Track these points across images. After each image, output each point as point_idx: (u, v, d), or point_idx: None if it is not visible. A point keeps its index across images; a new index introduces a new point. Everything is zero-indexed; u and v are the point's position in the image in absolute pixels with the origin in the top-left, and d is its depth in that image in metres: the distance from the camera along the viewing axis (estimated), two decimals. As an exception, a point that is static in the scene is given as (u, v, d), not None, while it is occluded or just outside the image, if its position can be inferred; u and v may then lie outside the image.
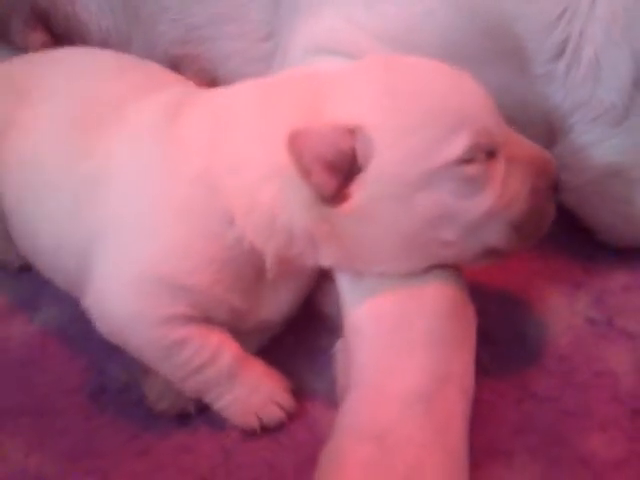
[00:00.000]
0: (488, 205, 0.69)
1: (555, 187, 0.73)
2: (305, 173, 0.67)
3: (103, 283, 0.74)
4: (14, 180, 0.84)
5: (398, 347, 0.70)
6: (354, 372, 0.71)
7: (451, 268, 0.74)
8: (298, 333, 0.82)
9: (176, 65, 1.09)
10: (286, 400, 0.76)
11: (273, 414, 0.75)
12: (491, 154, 0.69)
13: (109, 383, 0.83)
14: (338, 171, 0.67)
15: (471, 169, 0.68)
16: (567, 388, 0.77)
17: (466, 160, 0.68)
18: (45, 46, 1.13)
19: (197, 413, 0.78)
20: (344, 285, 0.76)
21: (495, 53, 0.82)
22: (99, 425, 0.79)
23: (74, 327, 0.87)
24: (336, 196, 0.68)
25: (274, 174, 0.70)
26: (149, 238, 0.73)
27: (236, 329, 0.76)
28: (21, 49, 1.12)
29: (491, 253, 0.72)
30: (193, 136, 0.75)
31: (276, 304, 0.77)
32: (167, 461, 0.76)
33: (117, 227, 0.74)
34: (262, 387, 0.75)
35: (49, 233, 0.80)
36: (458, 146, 0.68)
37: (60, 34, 1.14)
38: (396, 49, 0.83)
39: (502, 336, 0.81)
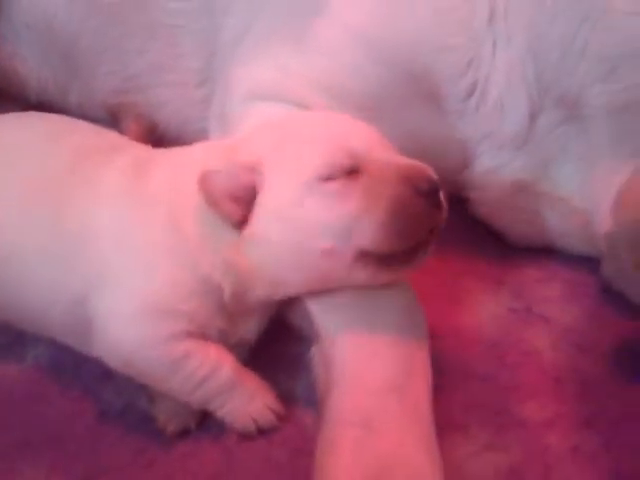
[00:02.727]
0: (350, 211, 0.81)
1: (429, 192, 0.81)
2: (214, 204, 0.82)
3: (109, 321, 0.84)
4: None
5: (369, 350, 0.84)
6: (334, 373, 0.84)
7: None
8: (272, 345, 0.92)
9: (115, 112, 1.19)
10: (277, 405, 0.88)
11: (267, 418, 0.87)
12: (354, 172, 0.81)
13: (107, 407, 0.91)
14: (241, 201, 0.82)
15: (330, 185, 0.81)
16: (501, 367, 0.93)
17: (326, 178, 0.81)
18: (-16, 99, 1.20)
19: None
20: (311, 300, 0.89)
21: (415, 96, 0.97)
22: (106, 446, 0.88)
23: (63, 360, 0.95)
24: (243, 222, 0.82)
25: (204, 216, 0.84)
26: (141, 276, 0.84)
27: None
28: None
29: (374, 261, 0.82)
30: (158, 190, 0.87)
31: (251, 326, 0.89)
32: (174, 469, 0.86)
33: (112, 272, 0.84)
34: (257, 395, 0.87)
35: (36, 296, 0.88)
36: (315, 167, 0.81)
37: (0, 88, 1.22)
38: (329, 96, 0.98)
39: (441, 330, 0.95)
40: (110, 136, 0.98)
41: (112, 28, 1.15)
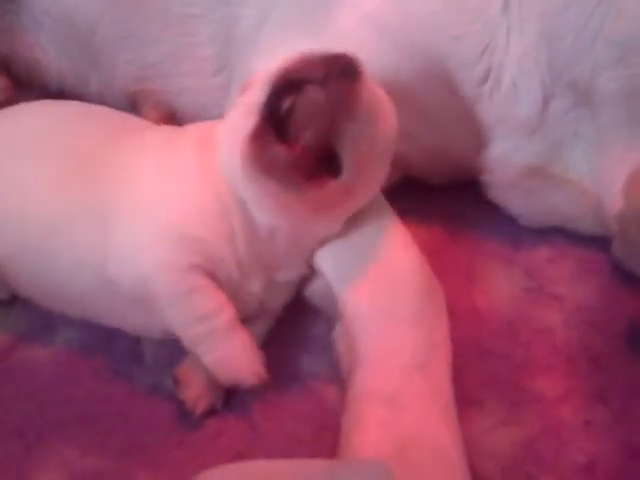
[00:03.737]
0: None
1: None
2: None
3: (129, 242, 0.88)
4: (5, 232, 0.94)
5: (392, 327, 0.87)
6: (358, 351, 0.88)
7: (417, 254, 0.93)
8: (295, 324, 0.97)
9: (135, 100, 1.21)
10: (261, 370, 0.89)
11: (249, 379, 0.88)
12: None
13: (137, 387, 0.95)
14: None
15: None
16: (515, 345, 0.96)
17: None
18: (7, 90, 1.22)
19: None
20: (334, 279, 0.93)
21: (431, 82, 0.99)
22: (137, 425, 0.91)
23: (91, 343, 0.99)
24: None
25: None
26: (166, 201, 0.89)
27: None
28: (-14, 95, 1.22)
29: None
30: (187, 146, 0.93)
31: (260, 284, 0.92)
32: (204, 446, 0.90)
33: (136, 207, 0.89)
34: (245, 354, 0.89)
35: (67, 266, 0.92)
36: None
37: (20, 78, 1.24)
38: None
39: (457, 309, 0.97)
40: (135, 119, 1.05)
41: (130, 17, 1.16)
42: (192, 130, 0.97)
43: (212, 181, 0.89)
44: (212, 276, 0.89)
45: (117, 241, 0.89)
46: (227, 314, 0.89)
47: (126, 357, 0.97)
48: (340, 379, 0.91)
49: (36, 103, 1.06)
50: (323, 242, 0.93)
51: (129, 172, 0.92)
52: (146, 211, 0.90)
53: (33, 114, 1.02)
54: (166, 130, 1.00)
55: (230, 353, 0.89)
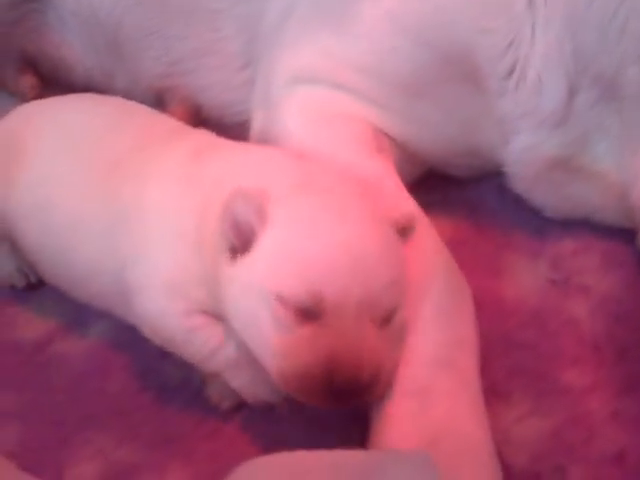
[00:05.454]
0: (272, 341, 0.81)
1: (343, 394, 0.79)
2: (222, 221, 0.84)
3: (138, 291, 0.90)
4: (33, 223, 0.98)
5: (419, 322, 0.88)
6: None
7: (442, 248, 0.94)
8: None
9: (161, 96, 1.23)
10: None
11: (275, 399, 0.90)
12: (308, 314, 0.79)
13: (168, 381, 0.97)
14: (239, 236, 0.83)
15: (278, 309, 0.80)
16: (541, 336, 0.97)
17: (279, 300, 0.80)
18: (34, 88, 1.24)
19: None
20: None
21: (455, 76, 1.00)
22: (169, 416, 0.93)
23: (124, 337, 1.00)
24: (235, 252, 0.84)
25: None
26: (166, 256, 0.90)
27: None
28: (13, 93, 1.24)
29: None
30: (205, 178, 0.90)
31: None
32: (236, 438, 0.91)
33: (147, 246, 0.90)
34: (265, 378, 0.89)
35: (87, 266, 0.95)
36: (278, 284, 0.80)
37: (47, 75, 1.26)
38: (369, 77, 1.02)
39: (483, 301, 0.97)
40: (170, 121, 1.04)
41: (155, 14, 1.18)
42: (214, 172, 0.91)
43: (200, 248, 0.88)
44: (215, 315, 0.89)
45: (130, 279, 0.91)
46: (233, 346, 0.89)
47: (157, 351, 0.96)
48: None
49: (78, 96, 1.10)
50: None
51: (147, 193, 0.92)
52: (148, 257, 0.90)
53: (74, 108, 1.04)
54: (196, 142, 0.96)
55: (252, 378, 0.90)
